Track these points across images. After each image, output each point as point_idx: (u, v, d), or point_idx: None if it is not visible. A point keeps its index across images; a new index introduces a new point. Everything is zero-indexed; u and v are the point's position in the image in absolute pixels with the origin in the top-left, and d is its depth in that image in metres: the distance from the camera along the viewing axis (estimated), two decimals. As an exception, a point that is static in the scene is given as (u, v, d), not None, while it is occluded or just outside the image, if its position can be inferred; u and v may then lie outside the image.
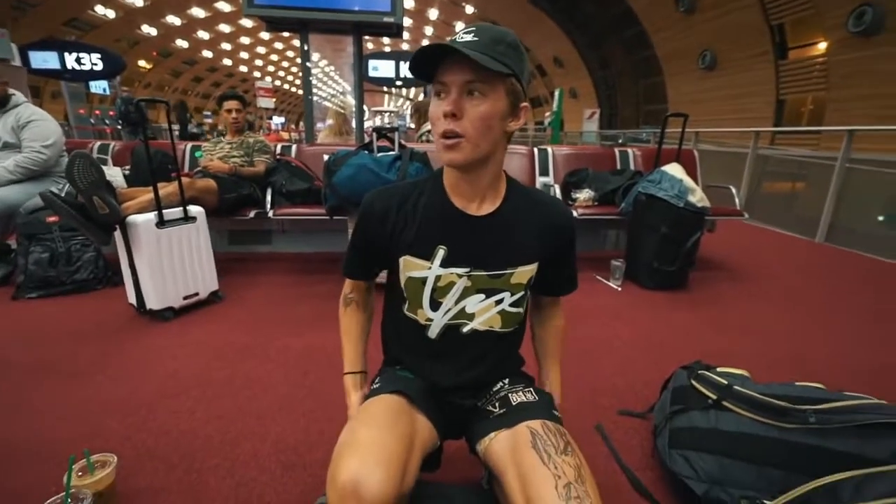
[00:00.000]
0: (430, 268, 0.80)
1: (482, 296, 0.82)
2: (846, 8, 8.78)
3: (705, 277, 2.88)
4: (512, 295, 0.83)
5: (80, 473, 0.99)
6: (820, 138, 8.95)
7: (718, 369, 1.27)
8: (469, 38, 0.67)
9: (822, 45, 9.84)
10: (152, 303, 2.08)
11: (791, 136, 10.24)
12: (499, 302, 0.83)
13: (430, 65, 0.70)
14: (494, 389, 0.88)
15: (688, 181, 2.65)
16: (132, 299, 2.15)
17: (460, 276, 0.80)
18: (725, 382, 1.18)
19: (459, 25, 23.05)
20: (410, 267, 0.81)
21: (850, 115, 8.90)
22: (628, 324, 2.19)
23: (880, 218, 4.28)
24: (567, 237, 0.86)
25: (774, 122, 11.22)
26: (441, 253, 0.79)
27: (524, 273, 0.82)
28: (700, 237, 2.69)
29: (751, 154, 4.97)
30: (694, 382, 1.24)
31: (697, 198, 2.61)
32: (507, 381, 0.90)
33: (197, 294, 2.24)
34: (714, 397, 1.16)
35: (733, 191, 3.32)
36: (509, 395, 0.85)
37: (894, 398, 1.12)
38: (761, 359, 1.86)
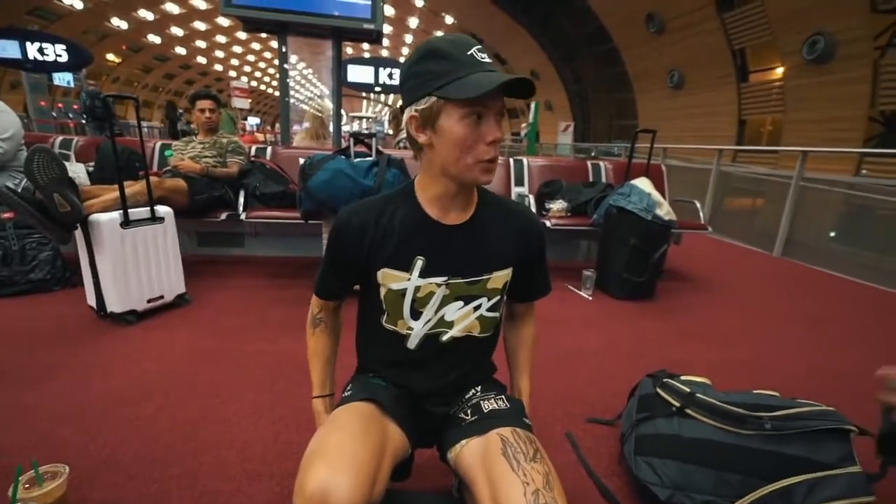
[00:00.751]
0: (409, 279, 0.80)
1: (460, 303, 0.83)
2: (800, 36, 9.35)
3: (672, 288, 2.98)
4: (489, 300, 0.84)
5: (27, 485, 0.93)
6: (778, 157, 9.44)
7: (682, 377, 1.31)
8: (487, 58, 0.69)
9: (780, 70, 10.43)
10: (114, 305, 1.99)
11: (752, 154, 10.76)
12: (476, 308, 0.84)
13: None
14: (467, 396, 0.89)
15: (656, 195, 2.74)
16: (92, 301, 2.05)
17: (439, 285, 0.81)
18: (688, 390, 1.22)
19: (438, 34, 23.23)
20: (389, 279, 0.81)
21: (804, 137, 9.44)
22: (599, 332, 2.24)
23: (832, 234, 4.54)
24: (537, 241, 0.88)
25: (737, 140, 11.78)
26: (419, 264, 0.79)
27: (500, 277, 0.84)
28: (667, 249, 2.78)
29: (714, 170, 5.19)
30: (659, 390, 1.27)
31: (664, 211, 2.71)
32: (479, 388, 0.90)
33: (162, 297, 2.16)
34: (678, 405, 1.20)
35: (698, 205, 3.45)
36: (481, 402, 0.86)
37: (840, 403, 1.18)
38: (722, 366, 1.93)
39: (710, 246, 4.58)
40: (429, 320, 0.83)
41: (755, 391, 1.20)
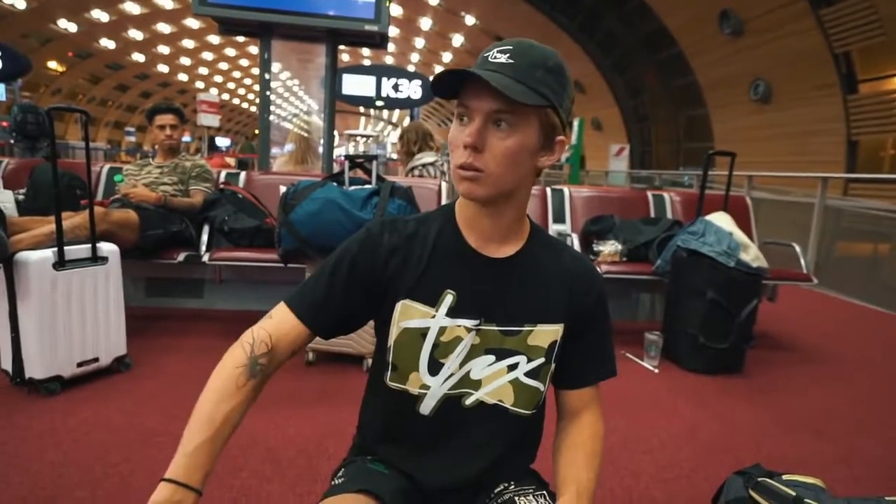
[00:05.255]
0: (433, 316, 0.81)
1: (492, 357, 0.83)
2: (925, 35, 9.57)
3: (766, 359, 2.92)
4: (528, 361, 0.84)
5: None
6: (904, 189, 9.38)
7: (784, 476, 1.27)
8: (503, 59, 0.74)
9: (899, 79, 10.61)
10: (34, 370, 2.03)
11: (868, 185, 10.72)
12: (512, 368, 0.84)
13: (453, 81, 0.76)
14: (496, 491, 0.88)
15: (739, 235, 2.75)
16: (7, 364, 2.09)
17: (469, 329, 0.82)
18: (794, 494, 1.18)
19: (457, 38, 24.47)
20: (409, 314, 0.82)
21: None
22: (667, 416, 2.20)
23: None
24: (595, 295, 0.89)
25: (846, 167, 11.81)
26: (449, 299, 0.81)
27: (546, 334, 0.84)
28: (757, 306, 2.76)
29: (818, 205, 5.17)
30: (753, 493, 1.24)
31: (752, 256, 2.71)
32: (512, 482, 0.89)
33: (97, 360, 2.20)
34: (780, 513, 1.16)
35: (798, 250, 3.43)
36: (515, 499, 0.84)
37: None
38: (839, 465, 1.88)
39: (817, 304, 4.51)
40: (451, 375, 0.83)
41: (887, 498, 1.17)
